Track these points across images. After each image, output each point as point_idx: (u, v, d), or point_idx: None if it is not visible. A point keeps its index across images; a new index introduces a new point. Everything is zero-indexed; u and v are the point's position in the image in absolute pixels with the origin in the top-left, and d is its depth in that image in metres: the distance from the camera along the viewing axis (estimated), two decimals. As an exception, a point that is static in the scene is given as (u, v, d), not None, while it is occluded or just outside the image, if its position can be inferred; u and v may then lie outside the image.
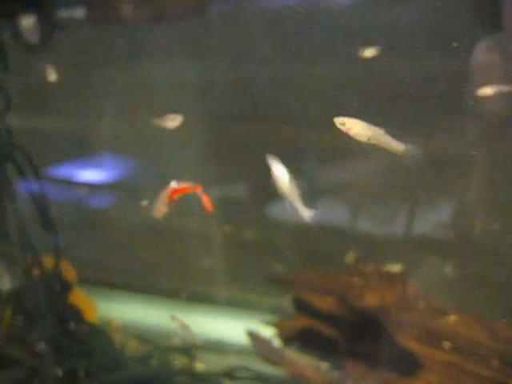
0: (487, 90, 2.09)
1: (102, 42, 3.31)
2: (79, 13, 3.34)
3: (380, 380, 2.51)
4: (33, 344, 2.68)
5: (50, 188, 3.30)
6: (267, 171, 1.68)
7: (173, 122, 2.39)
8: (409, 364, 2.44)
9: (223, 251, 3.63)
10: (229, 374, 2.86)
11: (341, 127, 1.59)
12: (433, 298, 2.60)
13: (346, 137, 1.57)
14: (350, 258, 3.02)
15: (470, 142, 2.39)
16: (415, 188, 2.78)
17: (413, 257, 2.89)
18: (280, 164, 1.68)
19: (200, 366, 3.05)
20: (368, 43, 2.32)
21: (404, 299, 2.62)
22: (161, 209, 1.82)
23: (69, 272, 3.02)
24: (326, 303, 2.73)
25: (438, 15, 2.25)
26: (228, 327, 3.26)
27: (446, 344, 2.42)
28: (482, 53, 2.21)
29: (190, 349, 3.12)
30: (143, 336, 3.24)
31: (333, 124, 1.60)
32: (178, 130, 2.41)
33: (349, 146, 1.66)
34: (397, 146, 1.58)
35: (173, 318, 2.76)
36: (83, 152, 3.72)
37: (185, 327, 2.74)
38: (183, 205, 1.83)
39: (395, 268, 2.70)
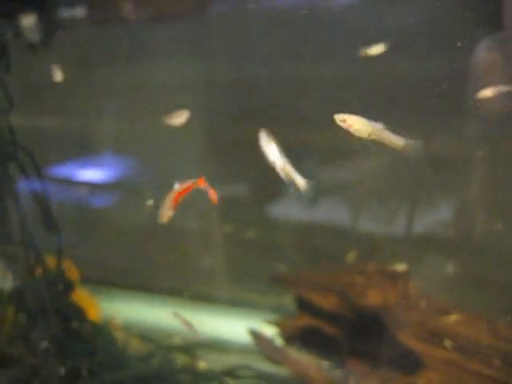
0: (487, 92, 2.08)
1: (102, 42, 3.31)
2: (80, 12, 3.34)
3: (382, 378, 2.51)
4: (36, 343, 2.69)
5: (53, 187, 3.30)
6: (268, 170, 1.68)
7: (180, 117, 2.39)
8: (410, 362, 2.44)
9: (225, 250, 3.64)
10: (231, 372, 2.86)
11: (341, 124, 1.59)
12: (434, 296, 2.61)
13: (346, 134, 1.57)
14: (351, 257, 3.03)
15: (470, 141, 2.40)
16: (416, 187, 2.78)
17: (413, 256, 2.89)
18: (270, 138, 1.69)
19: (202, 364, 3.06)
20: (368, 43, 2.32)
21: (406, 298, 2.62)
22: (166, 213, 1.80)
23: (71, 271, 3.03)
24: (327, 302, 2.73)
25: (437, 15, 2.25)
26: (230, 326, 3.26)
27: (448, 343, 2.42)
28: (483, 53, 2.21)
29: (192, 347, 3.13)
30: (145, 335, 3.25)
31: (333, 123, 1.60)
32: (178, 129, 2.42)
33: (350, 146, 1.66)
34: (397, 141, 1.58)
35: (175, 314, 2.76)
36: (83, 151, 3.72)
37: (187, 324, 2.75)
38: (184, 205, 1.83)
39: (401, 267, 2.70)
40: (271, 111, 2.84)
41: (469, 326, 2.44)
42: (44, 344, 2.67)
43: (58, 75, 2.83)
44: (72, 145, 3.71)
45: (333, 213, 3.25)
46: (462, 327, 2.44)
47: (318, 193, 1.73)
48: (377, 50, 2.34)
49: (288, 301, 2.94)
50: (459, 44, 2.14)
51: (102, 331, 3.08)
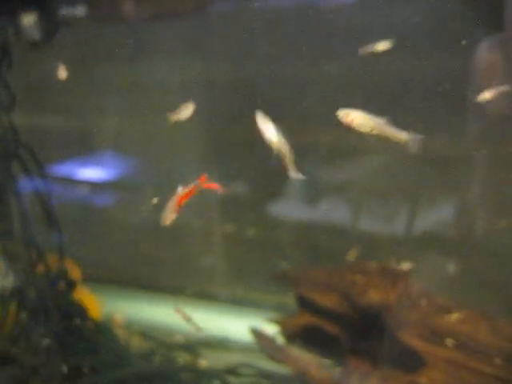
0: (488, 94, 2.08)
1: (104, 40, 3.30)
2: (81, 11, 3.33)
3: (383, 377, 2.51)
4: (37, 341, 2.69)
5: (54, 186, 3.31)
6: (269, 169, 1.68)
7: (187, 110, 2.38)
8: (412, 361, 2.44)
9: (226, 249, 3.64)
10: (232, 370, 2.88)
11: (344, 119, 1.59)
12: (435, 295, 2.61)
13: (348, 131, 1.57)
14: (352, 255, 3.03)
15: (471, 141, 2.39)
16: (417, 187, 2.78)
17: (414, 255, 2.89)
18: (268, 121, 1.69)
19: (204, 362, 3.07)
20: (367, 43, 2.31)
21: (407, 297, 2.62)
22: (169, 216, 1.80)
23: (73, 270, 3.03)
24: (329, 301, 2.73)
25: (438, 15, 2.24)
26: (232, 324, 3.27)
27: (449, 341, 2.43)
28: (484, 53, 2.21)
29: (193, 346, 3.14)
30: (147, 333, 3.26)
31: (334, 123, 1.60)
32: (179, 128, 2.41)
33: (351, 145, 1.67)
34: (400, 135, 1.58)
35: (177, 310, 2.77)
36: (85, 150, 3.72)
37: (188, 319, 2.75)
38: (185, 204, 1.82)
39: (405, 266, 2.70)
40: (272, 111, 2.83)
41: (470, 325, 2.44)
42: (46, 342, 2.68)
43: (63, 73, 2.83)
44: (73, 143, 3.71)
45: (333, 211, 3.25)
46: (463, 326, 2.44)
47: (318, 192, 1.73)
48: (383, 46, 2.33)
49: (289, 299, 2.94)
50: (463, 42, 2.13)
51: (103, 329, 3.08)
